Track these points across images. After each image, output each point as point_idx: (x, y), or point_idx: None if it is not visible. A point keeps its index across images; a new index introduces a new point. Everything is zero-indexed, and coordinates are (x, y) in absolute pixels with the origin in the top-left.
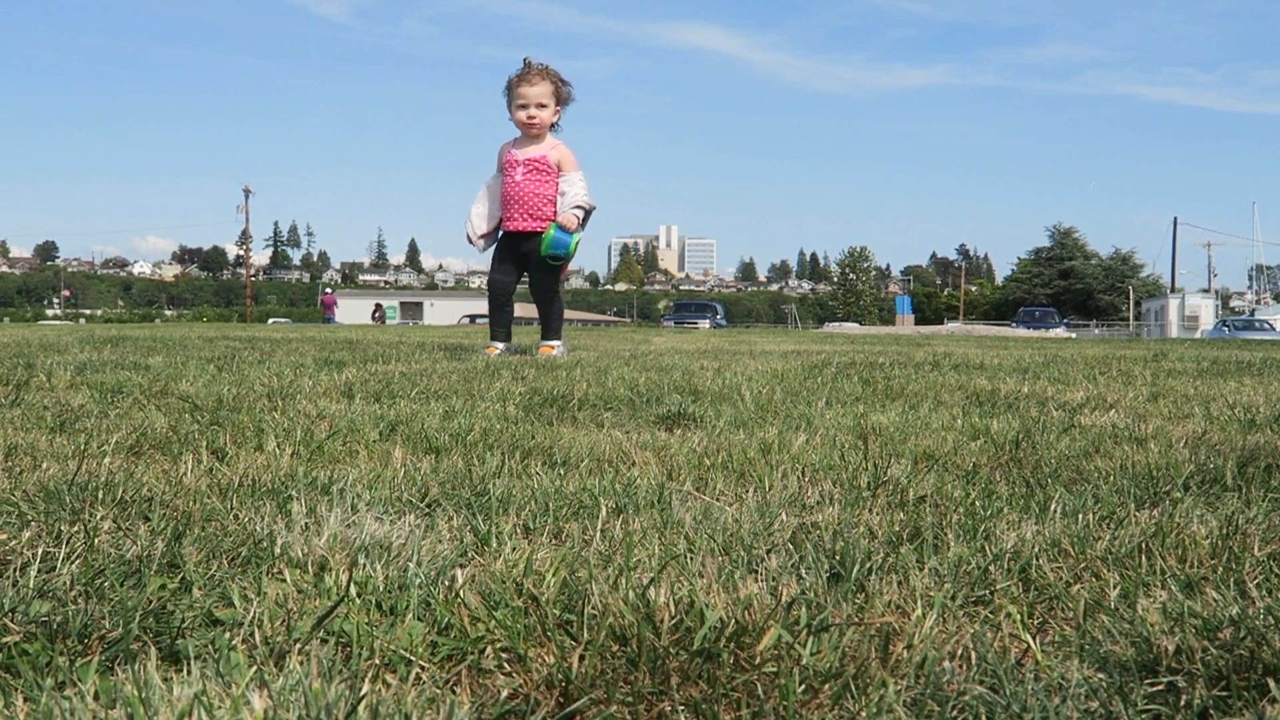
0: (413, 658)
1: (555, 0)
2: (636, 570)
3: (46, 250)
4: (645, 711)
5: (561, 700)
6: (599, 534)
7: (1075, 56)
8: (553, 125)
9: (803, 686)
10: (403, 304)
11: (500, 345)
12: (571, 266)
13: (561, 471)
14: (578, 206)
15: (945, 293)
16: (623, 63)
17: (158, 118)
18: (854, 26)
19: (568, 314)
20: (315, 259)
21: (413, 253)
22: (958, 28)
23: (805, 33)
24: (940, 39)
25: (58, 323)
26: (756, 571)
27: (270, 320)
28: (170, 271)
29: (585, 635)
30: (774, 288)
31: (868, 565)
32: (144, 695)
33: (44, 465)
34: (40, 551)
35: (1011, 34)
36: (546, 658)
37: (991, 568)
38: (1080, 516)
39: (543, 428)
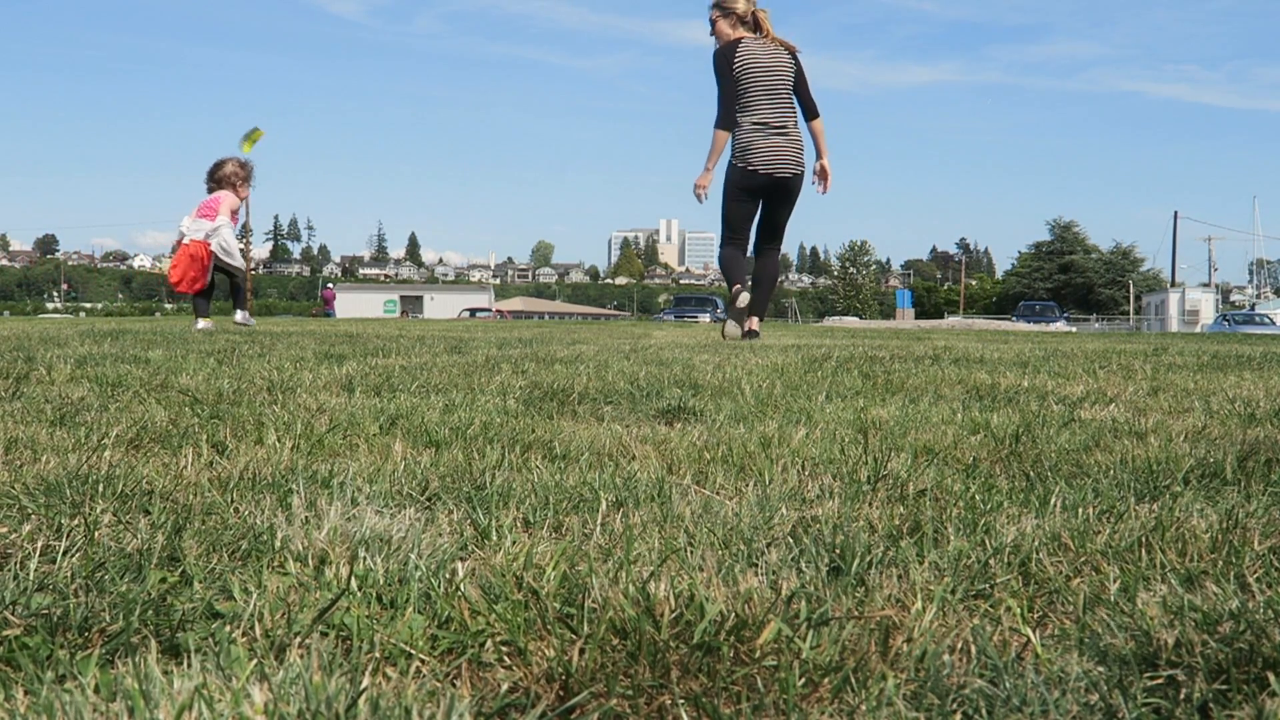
0: (413, 651)
1: None
2: (636, 564)
3: (46, 244)
4: (645, 705)
5: (561, 694)
6: (599, 527)
7: (1080, 54)
8: None
9: (803, 680)
10: (403, 297)
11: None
12: (571, 260)
13: (561, 465)
14: None
15: (945, 287)
16: (633, 60)
17: (159, 112)
18: (862, 24)
19: (567, 309)
20: (315, 253)
21: (413, 246)
22: (964, 26)
23: (815, 30)
24: (947, 37)
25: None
26: (756, 565)
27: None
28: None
29: (585, 629)
30: None
31: (867, 559)
32: (144, 688)
33: (44, 458)
34: (40, 545)
35: (1017, 32)
36: (547, 651)
37: (991, 561)
38: (1080, 510)
39: (543, 421)
